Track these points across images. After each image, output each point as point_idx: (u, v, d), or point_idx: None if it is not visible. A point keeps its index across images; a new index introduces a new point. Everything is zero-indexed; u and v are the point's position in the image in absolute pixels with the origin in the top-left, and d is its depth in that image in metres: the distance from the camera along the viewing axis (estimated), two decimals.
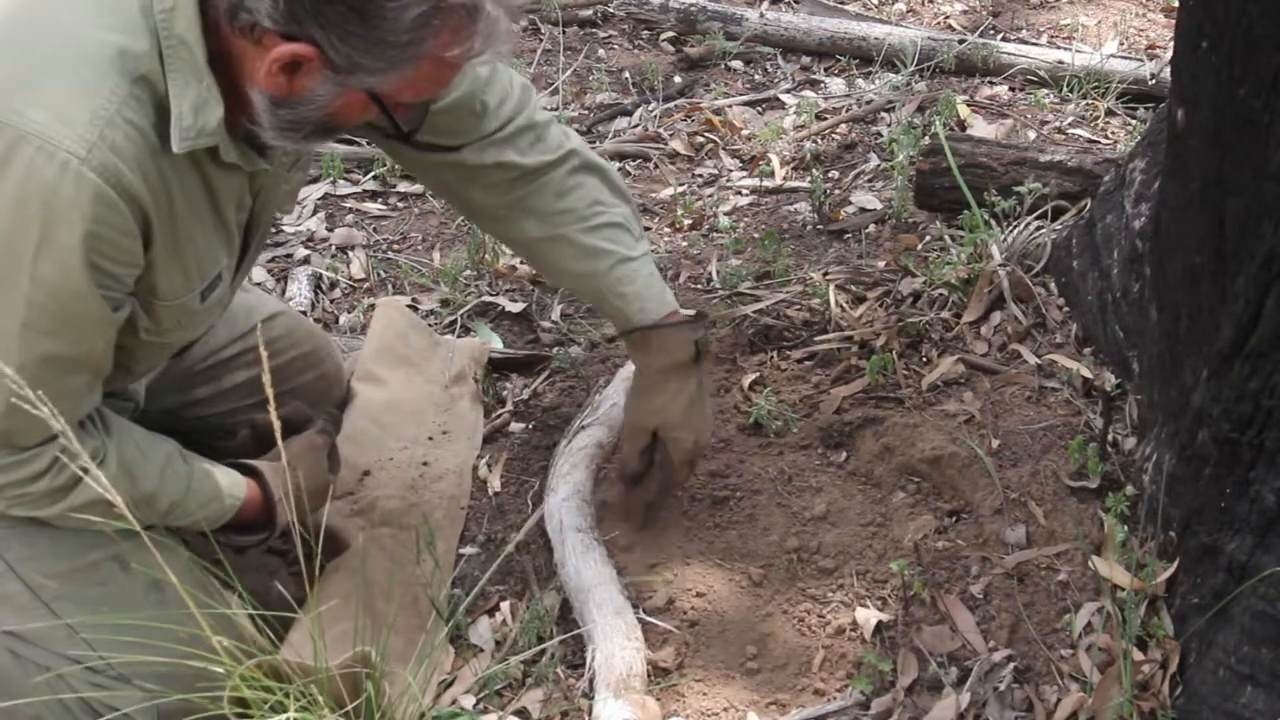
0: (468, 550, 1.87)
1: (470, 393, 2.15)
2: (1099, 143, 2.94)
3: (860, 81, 3.39)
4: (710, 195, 2.90)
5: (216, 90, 1.27)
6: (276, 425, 1.36)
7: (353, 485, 1.92)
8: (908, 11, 3.95)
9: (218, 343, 1.82)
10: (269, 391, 1.32)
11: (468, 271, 2.52)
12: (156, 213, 1.30)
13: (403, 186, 2.90)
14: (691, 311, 1.84)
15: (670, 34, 3.73)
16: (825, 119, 3.18)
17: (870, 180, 2.85)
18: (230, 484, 1.58)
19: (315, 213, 2.79)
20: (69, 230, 1.21)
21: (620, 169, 3.04)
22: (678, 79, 3.47)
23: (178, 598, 1.42)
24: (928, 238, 2.49)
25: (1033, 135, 2.95)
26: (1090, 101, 3.13)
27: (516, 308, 2.43)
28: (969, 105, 3.09)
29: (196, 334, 1.56)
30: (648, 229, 2.77)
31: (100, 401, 1.44)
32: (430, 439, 2.05)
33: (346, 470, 1.94)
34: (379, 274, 2.56)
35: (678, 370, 1.75)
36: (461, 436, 2.06)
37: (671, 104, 3.32)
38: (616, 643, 1.59)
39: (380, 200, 2.86)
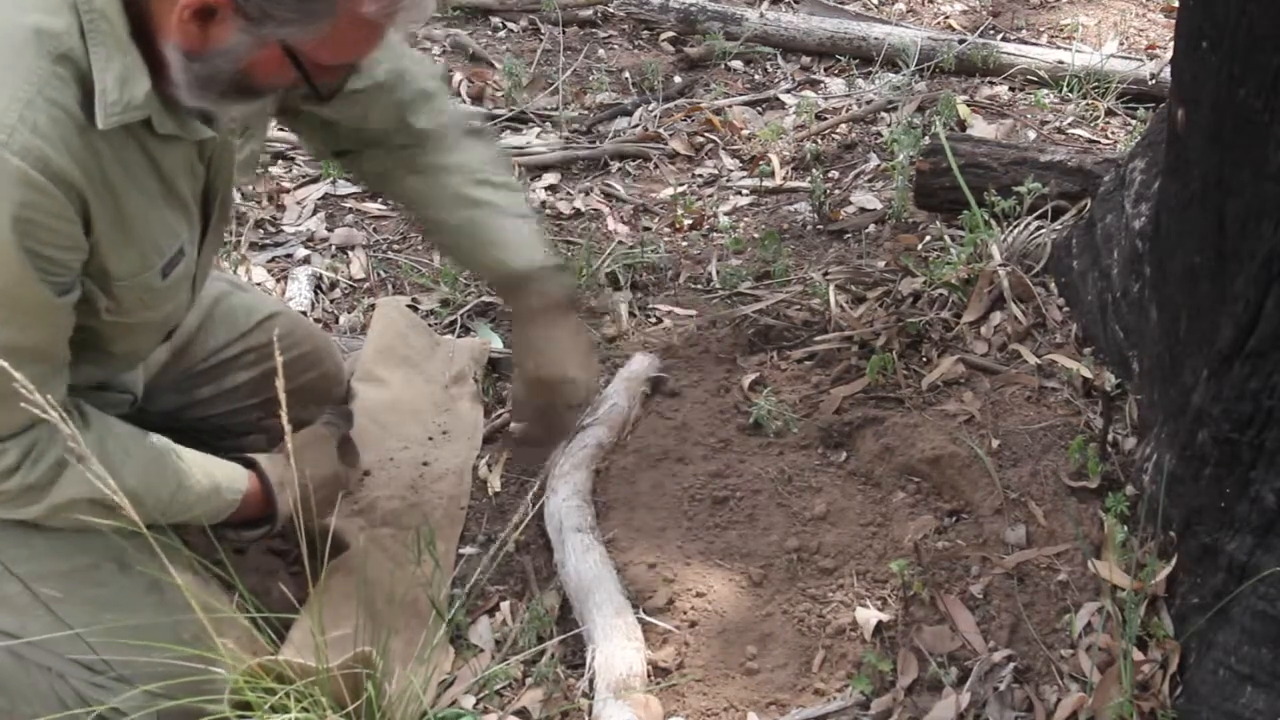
0: (468, 550, 1.87)
1: (470, 393, 2.15)
2: (1099, 143, 2.94)
3: (860, 81, 3.39)
4: (710, 195, 2.90)
5: (141, 61, 1.25)
6: (288, 427, 1.36)
7: (353, 485, 1.92)
8: (908, 11, 3.95)
9: (218, 343, 1.82)
10: (281, 396, 1.31)
11: (468, 271, 2.52)
12: (93, 193, 1.27)
13: None
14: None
15: (670, 34, 3.73)
16: (825, 119, 3.18)
17: (870, 180, 2.85)
18: (229, 478, 1.57)
19: (315, 213, 2.79)
20: None
21: (620, 169, 3.04)
22: (678, 79, 3.47)
23: (177, 598, 1.43)
24: (928, 238, 2.49)
25: (1033, 135, 2.95)
26: (1090, 101, 3.13)
27: None
28: (969, 105, 3.09)
29: (166, 312, 1.51)
30: (647, 229, 2.77)
31: (67, 392, 1.40)
32: (430, 439, 2.05)
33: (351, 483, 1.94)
34: (379, 274, 2.56)
35: (561, 315, 1.77)
36: (461, 436, 2.06)
37: (671, 104, 3.32)
38: (616, 643, 1.59)
39: (380, 200, 2.86)
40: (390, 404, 2.08)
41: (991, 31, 3.65)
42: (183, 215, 1.44)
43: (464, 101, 3.32)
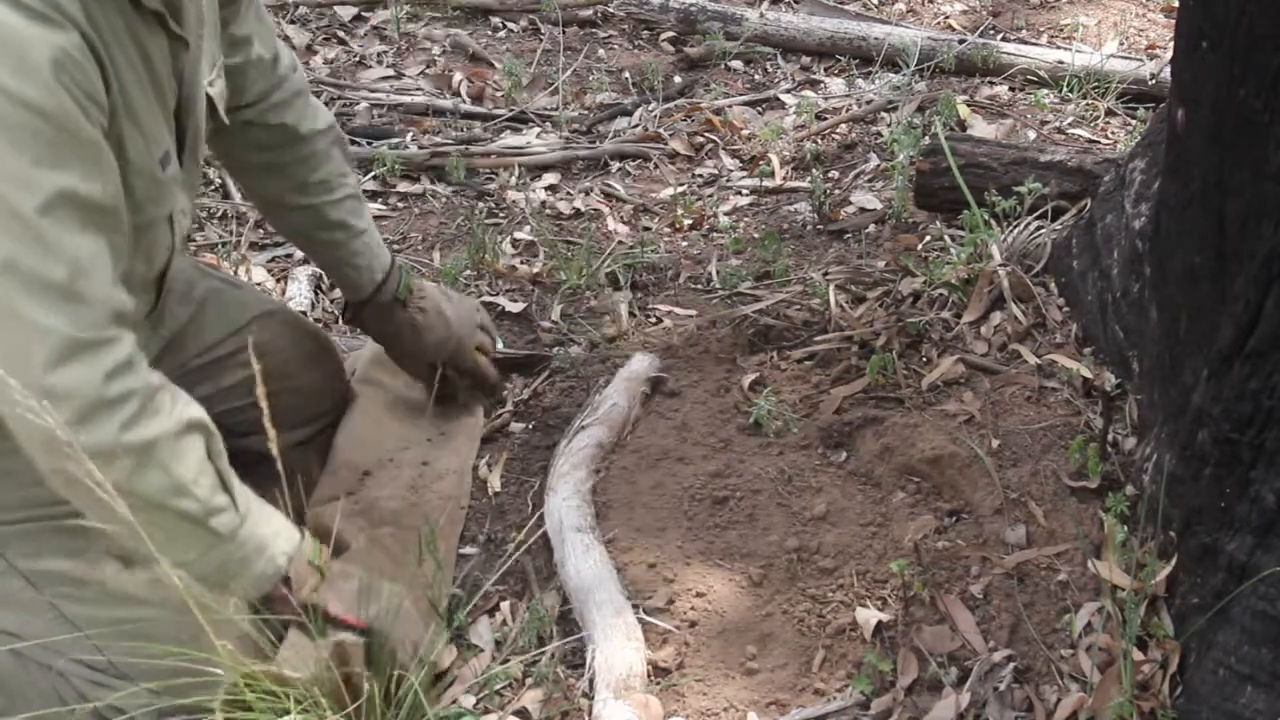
0: (468, 550, 1.87)
1: (471, 425, 2.14)
2: (1099, 143, 2.94)
3: (860, 81, 3.39)
4: (710, 195, 2.90)
5: None
6: (273, 438, 1.36)
7: (353, 485, 1.92)
8: (908, 11, 3.95)
9: (212, 339, 1.82)
10: (270, 431, 1.32)
11: (468, 271, 2.52)
12: (105, 53, 1.28)
13: (403, 186, 2.91)
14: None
15: (670, 34, 3.73)
16: (825, 119, 3.18)
17: (870, 180, 2.85)
18: (287, 533, 1.49)
19: None
20: (37, 51, 1.19)
21: (620, 169, 3.04)
22: (678, 79, 3.47)
23: (179, 596, 1.42)
24: (928, 238, 2.49)
25: (1033, 135, 2.95)
26: (1090, 101, 3.14)
27: (516, 308, 2.43)
28: (969, 105, 3.09)
29: (162, 213, 1.48)
30: (647, 229, 2.78)
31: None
32: (429, 440, 2.04)
33: (347, 471, 1.94)
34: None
35: (414, 308, 1.93)
36: (461, 436, 2.06)
37: (671, 104, 3.32)
38: (616, 643, 1.59)
39: (380, 200, 2.87)
40: (390, 404, 2.08)
41: (991, 31, 3.65)
42: (165, 121, 1.44)
43: (464, 101, 3.32)
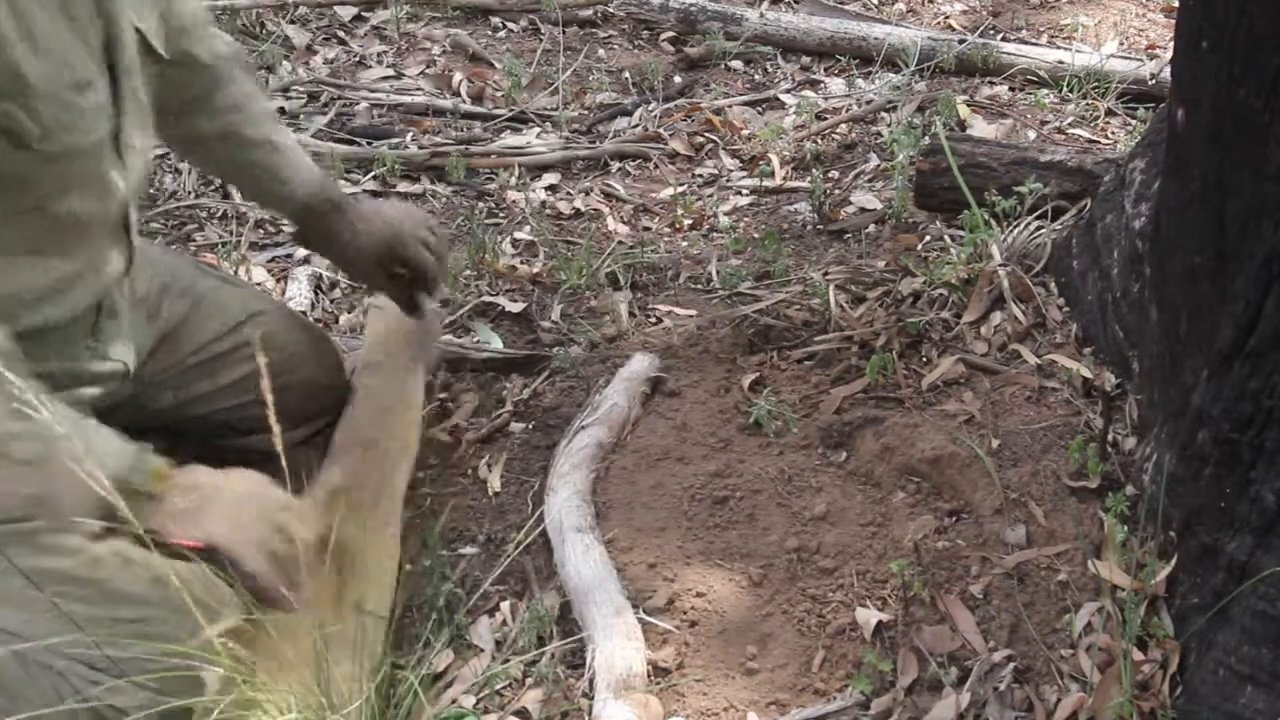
0: (468, 550, 1.87)
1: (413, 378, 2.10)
2: (1099, 143, 2.95)
3: (860, 81, 3.39)
4: (710, 195, 2.90)
5: None
6: (277, 433, 1.35)
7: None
8: (908, 11, 3.95)
9: (209, 334, 1.81)
10: (274, 426, 1.30)
11: (468, 271, 2.52)
12: None
13: (403, 186, 2.91)
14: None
15: (670, 34, 3.73)
16: (825, 119, 3.18)
17: (870, 180, 2.85)
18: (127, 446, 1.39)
19: None
20: None
21: (620, 169, 3.04)
22: (678, 79, 3.47)
23: (177, 593, 1.42)
24: (928, 238, 2.49)
25: (1033, 135, 2.95)
26: (1090, 101, 3.14)
27: (516, 308, 2.43)
28: (969, 105, 3.09)
29: (86, 141, 1.44)
30: (647, 229, 2.78)
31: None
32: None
33: (343, 457, 1.91)
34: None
35: (351, 211, 1.90)
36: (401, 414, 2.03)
37: (671, 104, 3.32)
38: (616, 643, 1.59)
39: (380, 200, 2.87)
40: (385, 393, 2.07)
41: (991, 31, 3.65)
42: (87, 52, 1.42)
43: (464, 101, 3.32)
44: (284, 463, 1.39)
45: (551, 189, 2.94)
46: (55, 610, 1.42)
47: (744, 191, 2.92)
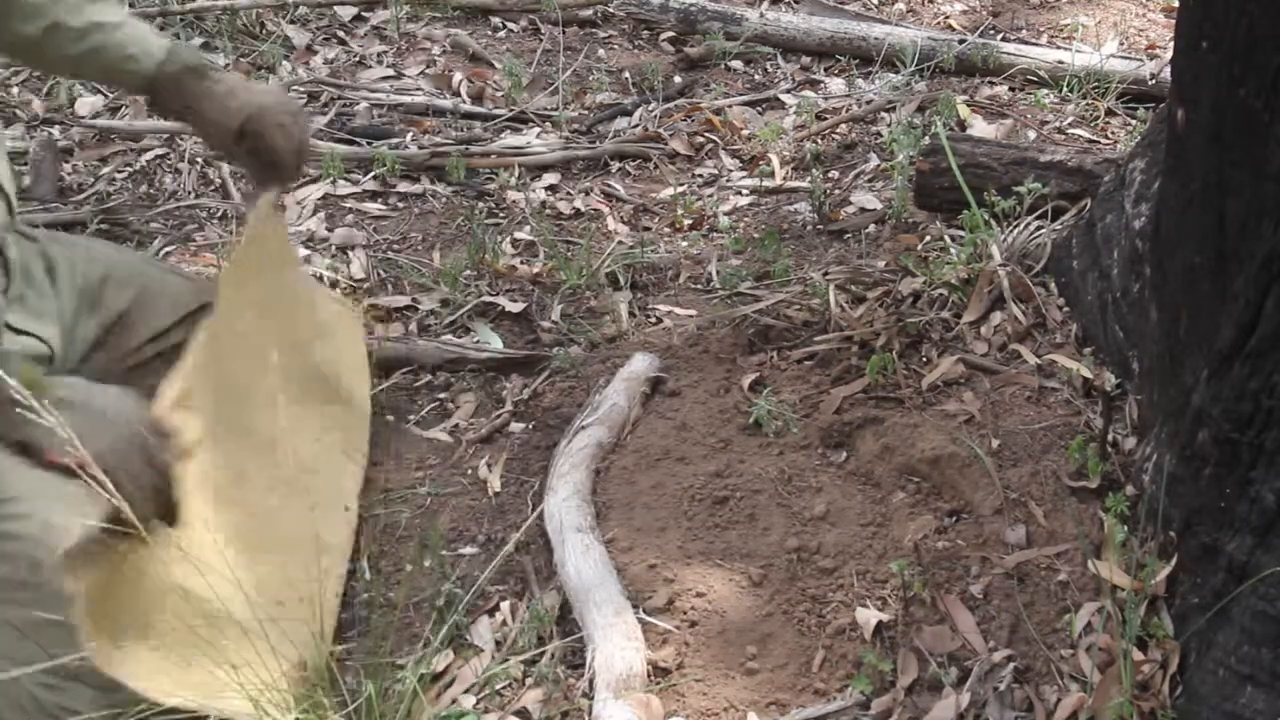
0: (468, 550, 1.87)
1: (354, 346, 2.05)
2: (1099, 143, 2.94)
3: (860, 81, 3.39)
4: (710, 195, 2.90)
5: None
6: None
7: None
8: (908, 11, 3.95)
9: (159, 325, 1.79)
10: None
11: (468, 271, 2.52)
12: None
13: (403, 186, 2.91)
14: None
15: (670, 34, 3.73)
16: (825, 119, 3.18)
17: (870, 180, 2.85)
18: None
19: (315, 213, 2.79)
20: None
21: (620, 169, 3.04)
22: (678, 79, 3.47)
23: None
24: (928, 238, 2.49)
25: (1033, 135, 2.95)
26: (1090, 101, 3.13)
27: (516, 308, 2.43)
28: (969, 105, 3.09)
29: None
30: (647, 229, 2.78)
31: None
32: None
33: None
34: (379, 274, 2.56)
35: (212, 79, 1.81)
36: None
37: (671, 104, 3.32)
38: (616, 643, 1.59)
39: (380, 200, 2.87)
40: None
41: (991, 31, 3.65)
42: None
43: (464, 101, 3.32)
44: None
45: (551, 189, 2.94)
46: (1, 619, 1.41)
47: (744, 191, 2.92)
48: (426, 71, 3.51)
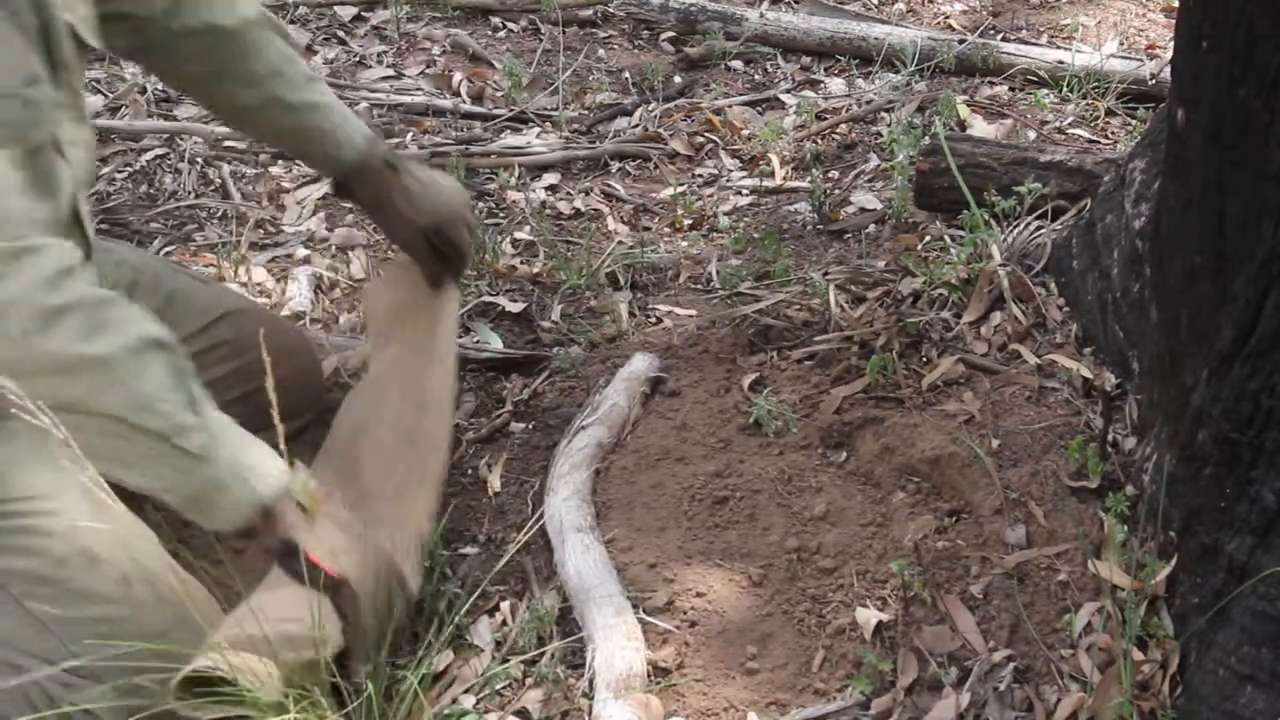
0: (468, 550, 1.87)
1: (449, 295, 2.07)
2: (1099, 143, 2.94)
3: (860, 81, 3.39)
4: (710, 195, 2.90)
5: None
6: (280, 431, 1.35)
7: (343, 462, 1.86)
8: (908, 11, 3.95)
9: (184, 333, 1.77)
10: (279, 426, 1.30)
11: (468, 271, 2.52)
12: None
13: None
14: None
15: (670, 34, 3.73)
16: (825, 119, 3.18)
17: (870, 180, 2.85)
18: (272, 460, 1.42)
19: (315, 213, 2.79)
20: None
21: (620, 169, 3.04)
22: (678, 79, 3.47)
23: (147, 592, 1.42)
24: (928, 238, 2.49)
25: (1033, 135, 2.95)
26: (1090, 101, 3.13)
27: (516, 308, 2.43)
28: (969, 105, 3.09)
29: (41, 137, 1.42)
30: (647, 229, 2.78)
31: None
32: (415, 352, 1.98)
33: (342, 458, 1.89)
34: (379, 274, 2.56)
35: (405, 174, 1.90)
36: (441, 344, 2.00)
37: (671, 104, 3.32)
38: (616, 643, 1.59)
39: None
40: (391, 365, 2.02)
41: (991, 31, 3.65)
42: (30, 48, 1.40)
43: (464, 101, 3.32)
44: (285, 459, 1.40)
45: (551, 189, 2.94)
46: (20, 610, 1.41)
47: (744, 191, 2.92)
48: (426, 71, 3.51)
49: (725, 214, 2.79)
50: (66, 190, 1.50)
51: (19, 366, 1.25)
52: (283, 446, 1.38)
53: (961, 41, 3.38)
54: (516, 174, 2.95)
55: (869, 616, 1.64)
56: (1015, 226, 2.34)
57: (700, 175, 3.02)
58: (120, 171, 2.93)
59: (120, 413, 1.29)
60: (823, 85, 3.44)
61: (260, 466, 1.40)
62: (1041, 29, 3.73)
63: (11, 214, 1.29)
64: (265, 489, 1.40)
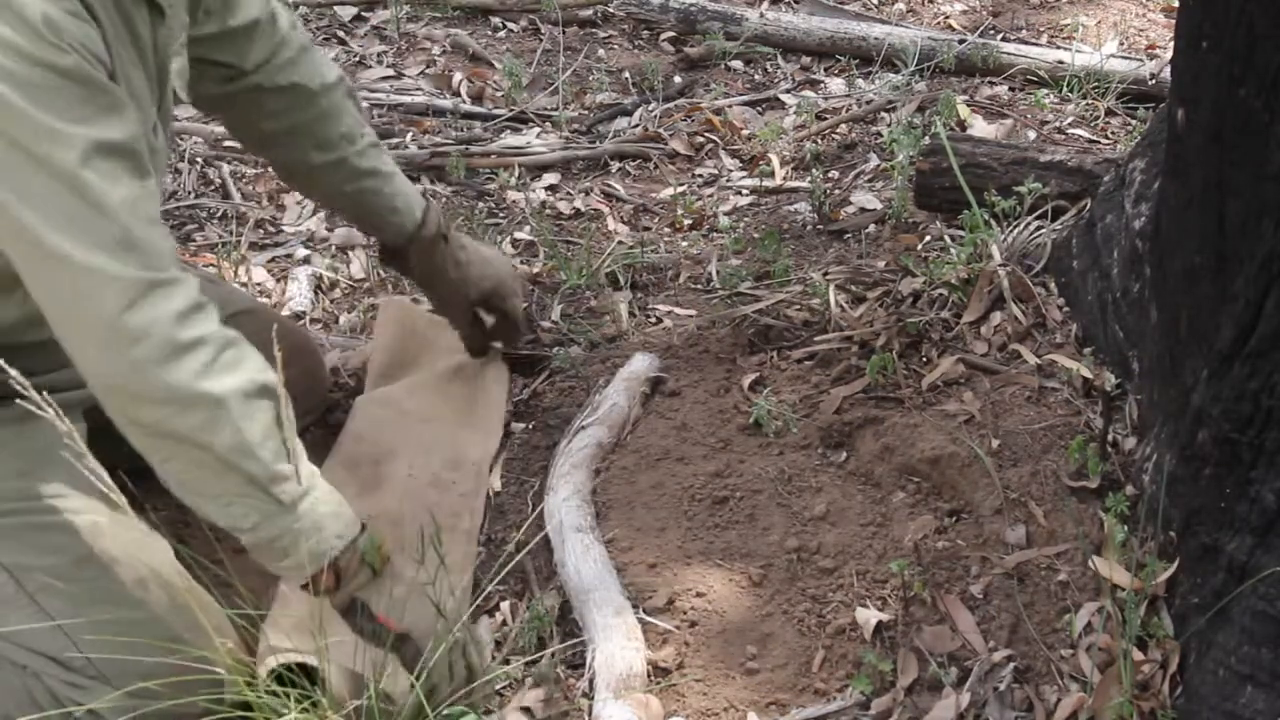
0: None
1: (498, 365, 2.15)
2: (1099, 143, 2.94)
3: (860, 81, 3.39)
4: (710, 195, 2.90)
5: None
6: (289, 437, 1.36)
7: (366, 477, 1.90)
8: (908, 11, 3.95)
9: None
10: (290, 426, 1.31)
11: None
12: (100, 14, 1.30)
13: None
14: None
15: (670, 34, 3.73)
16: (825, 119, 3.18)
17: (870, 180, 2.85)
18: (349, 514, 1.47)
19: (315, 213, 2.79)
20: (40, 11, 1.22)
21: (620, 169, 3.04)
22: (678, 79, 3.47)
23: (161, 595, 1.42)
24: (928, 238, 2.49)
25: (1033, 135, 2.95)
26: (1090, 101, 3.13)
27: None
28: (969, 105, 3.09)
29: (157, 181, 1.46)
30: (647, 229, 2.78)
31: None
32: (452, 420, 2.03)
33: (367, 468, 1.92)
34: (379, 274, 2.56)
35: (456, 245, 1.96)
36: (483, 411, 2.06)
37: (671, 104, 3.32)
38: (616, 643, 1.59)
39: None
40: (411, 386, 2.07)
41: (991, 31, 3.65)
42: (150, 91, 1.45)
43: (464, 101, 3.32)
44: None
45: (551, 189, 2.94)
46: (34, 607, 1.41)
47: (744, 191, 2.92)
48: (426, 71, 3.51)
49: (725, 214, 2.79)
50: None
51: (139, 392, 1.30)
52: (288, 446, 1.38)
53: (961, 41, 3.38)
54: (516, 174, 2.95)
55: (869, 616, 1.64)
56: (1015, 226, 2.34)
57: (700, 175, 3.02)
58: None
59: (224, 452, 1.33)
60: (823, 85, 3.44)
61: (335, 523, 1.43)
62: (1041, 29, 3.73)
63: (155, 245, 1.32)
64: (338, 544, 1.43)
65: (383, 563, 1.48)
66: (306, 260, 2.61)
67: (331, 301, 2.51)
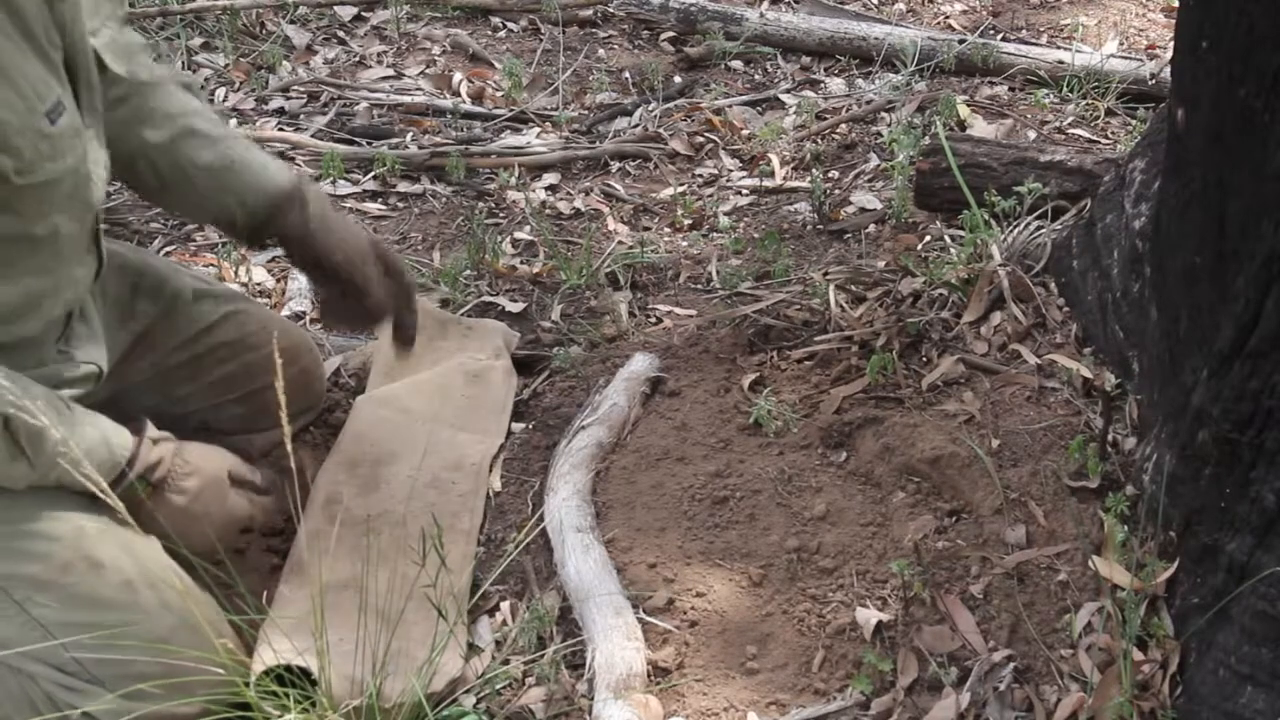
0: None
1: (504, 367, 2.15)
2: (1099, 143, 2.95)
3: (860, 81, 3.39)
4: (710, 195, 2.90)
5: None
6: (286, 430, 1.35)
7: (366, 476, 1.91)
8: (908, 11, 3.95)
9: (186, 334, 1.80)
10: (281, 399, 1.31)
11: (468, 271, 2.52)
12: None
13: (403, 186, 2.91)
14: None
15: (670, 34, 3.74)
16: (825, 119, 3.18)
17: (870, 180, 2.85)
18: (114, 430, 1.51)
19: None
20: None
21: (620, 169, 3.04)
22: (678, 79, 3.47)
23: (150, 597, 1.42)
24: (928, 238, 2.49)
25: (1033, 135, 2.95)
26: (1090, 101, 3.14)
27: (516, 308, 2.43)
28: (969, 105, 3.09)
29: (65, 166, 1.40)
30: (647, 229, 2.78)
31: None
32: (453, 423, 2.03)
33: (367, 468, 1.92)
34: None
35: (331, 212, 1.81)
36: (486, 414, 2.05)
37: (671, 104, 3.32)
38: (616, 643, 1.59)
39: (380, 200, 2.87)
40: (413, 385, 2.07)
41: (991, 31, 3.65)
42: (53, 74, 1.38)
43: (464, 101, 3.32)
44: (292, 463, 1.40)
45: (551, 189, 2.94)
46: (24, 616, 1.41)
47: (744, 191, 2.92)
48: (426, 71, 3.51)
49: (725, 214, 2.79)
50: (90, 214, 1.50)
51: None
52: (289, 446, 1.38)
53: (961, 41, 3.38)
54: (516, 174, 2.95)
55: (869, 616, 1.64)
56: (1015, 226, 2.34)
57: (700, 175, 3.02)
58: None
59: None
60: (823, 85, 3.44)
61: (113, 435, 1.49)
62: (1041, 29, 3.73)
63: None
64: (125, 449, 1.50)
65: (157, 472, 1.53)
66: None
67: None
